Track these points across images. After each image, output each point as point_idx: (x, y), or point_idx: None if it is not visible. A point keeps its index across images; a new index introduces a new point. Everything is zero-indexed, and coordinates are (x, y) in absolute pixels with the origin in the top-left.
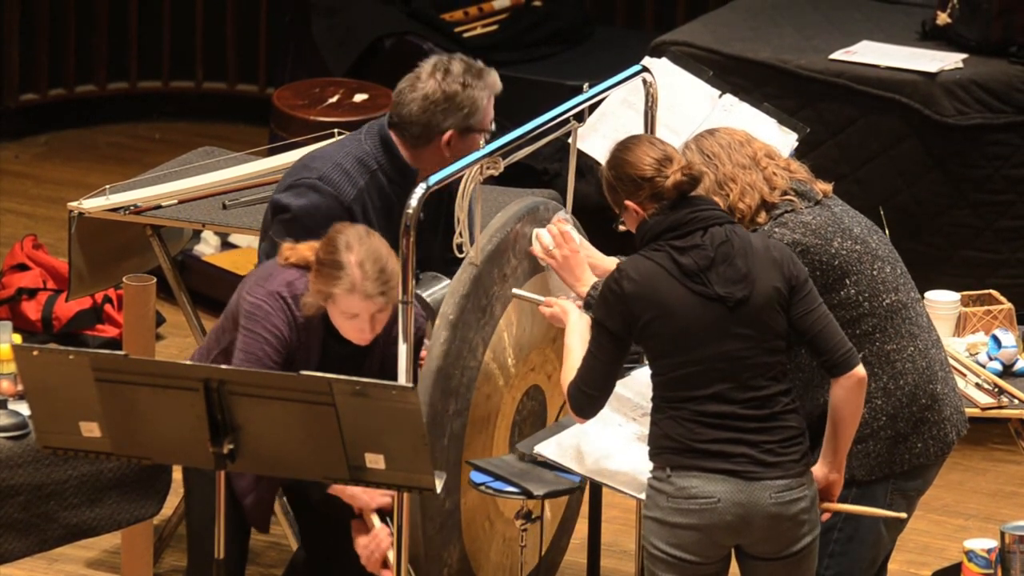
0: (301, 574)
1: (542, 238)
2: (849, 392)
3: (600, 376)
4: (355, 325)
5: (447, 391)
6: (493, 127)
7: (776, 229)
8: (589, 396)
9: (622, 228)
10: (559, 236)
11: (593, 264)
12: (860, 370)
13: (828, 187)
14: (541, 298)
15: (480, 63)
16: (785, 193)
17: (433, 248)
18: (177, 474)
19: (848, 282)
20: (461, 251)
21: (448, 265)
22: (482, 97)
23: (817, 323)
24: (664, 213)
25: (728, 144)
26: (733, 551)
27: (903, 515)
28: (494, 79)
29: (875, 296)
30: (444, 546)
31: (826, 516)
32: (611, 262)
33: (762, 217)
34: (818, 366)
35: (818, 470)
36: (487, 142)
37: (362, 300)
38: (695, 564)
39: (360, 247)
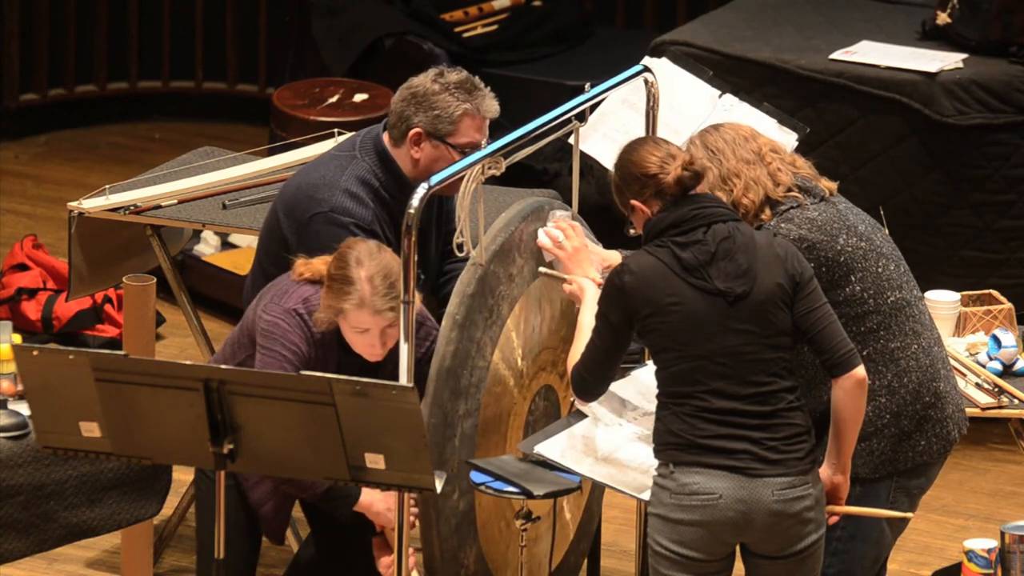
0: (303, 574)
1: (550, 231)
2: (849, 393)
3: (598, 364)
4: (366, 340)
5: (456, 392)
6: (465, 151)
7: (782, 225)
8: (587, 380)
9: (632, 232)
10: (568, 229)
11: (602, 260)
12: (860, 371)
13: (833, 185)
14: (565, 275)
15: (482, 85)
16: (789, 190)
17: (430, 248)
18: (178, 474)
19: (853, 279)
20: (462, 251)
21: (444, 263)
22: (458, 108)
23: (820, 321)
24: (667, 210)
25: (733, 139)
26: (738, 549)
27: (910, 515)
28: (486, 104)
29: (880, 293)
30: (460, 547)
31: (833, 519)
32: (616, 256)
33: (766, 214)
34: (819, 364)
35: (823, 472)
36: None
37: (371, 315)
38: (698, 561)
39: (370, 262)
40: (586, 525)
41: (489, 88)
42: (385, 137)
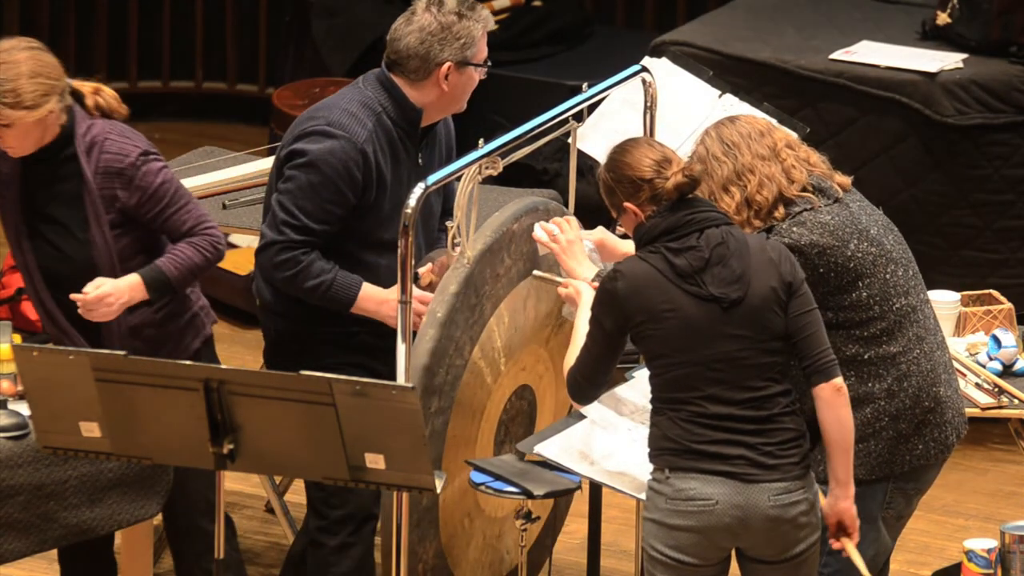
0: (300, 567)
1: (545, 225)
2: (829, 403)
3: (592, 369)
4: None
5: (430, 388)
6: (489, 64)
7: (794, 229)
8: (581, 385)
9: (619, 231)
10: (563, 223)
11: (611, 248)
12: (839, 380)
13: (847, 180)
14: (559, 278)
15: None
16: (804, 189)
17: (430, 201)
18: None
19: (861, 285)
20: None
21: (443, 217)
22: (477, 29)
23: (808, 327)
24: (661, 215)
25: (748, 134)
26: (734, 553)
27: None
28: (487, 14)
29: (886, 300)
30: (420, 541)
31: (837, 545)
32: (627, 245)
33: (780, 211)
34: (800, 371)
35: (826, 504)
36: (483, 78)
37: None
38: (694, 566)
39: None
40: (553, 523)
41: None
42: (395, 78)
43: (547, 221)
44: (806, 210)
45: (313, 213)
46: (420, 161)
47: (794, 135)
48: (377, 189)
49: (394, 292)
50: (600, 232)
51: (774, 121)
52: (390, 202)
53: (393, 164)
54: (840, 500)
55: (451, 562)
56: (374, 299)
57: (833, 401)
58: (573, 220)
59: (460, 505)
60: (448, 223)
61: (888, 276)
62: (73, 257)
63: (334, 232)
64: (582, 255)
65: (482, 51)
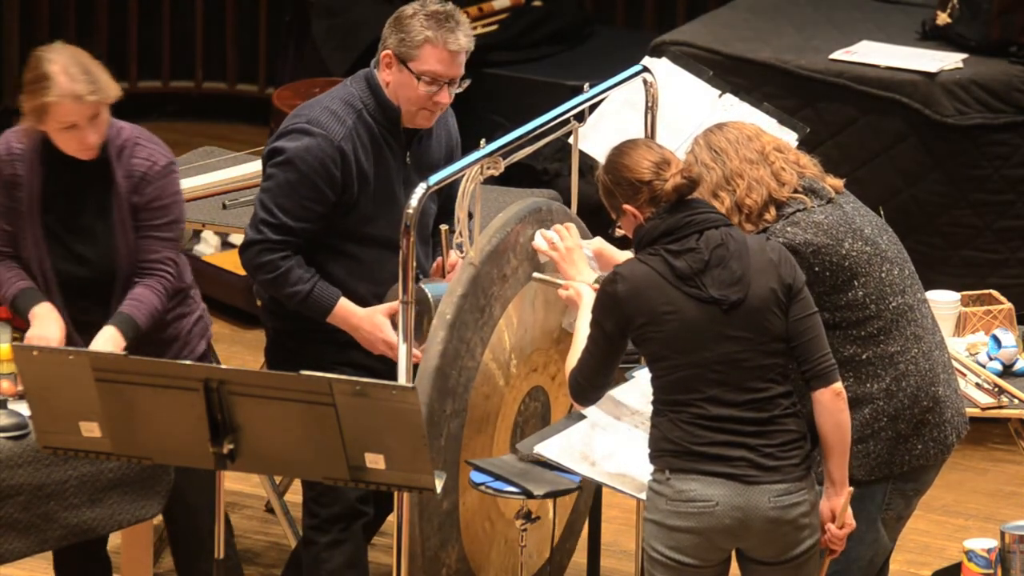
0: (301, 567)
1: (546, 233)
2: (828, 407)
3: (593, 371)
4: (76, 136)
5: (444, 391)
6: (425, 79)
7: (788, 229)
8: (583, 386)
9: (619, 232)
10: (562, 230)
11: (608, 257)
12: (838, 385)
13: (839, 183)
14: (560, 280)
15: (456, 17)
16: (795, 191)
17: (429, 223)
18: None
19: (856, 284)
20: (461, 250)
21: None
22: (420, 34)
23: (808, 331)
24: (660, 217)
25: (736, 139)
26: (734, 554)
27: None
28: (450, 36)
29: (882, 299)
30: (442, 546)
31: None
32: (625, 255)
33: (770, 214)
34: (799, 375)
35: (823, 505)
36: (439, 98)
37: (73, 103)
38: (694, 567)
39: (60, 56)
40: (573, 525)
41: (470, 27)
42: (379, 75)
43: (549, 221)
44: (799, 210)
45: (292, 211)
46: (408, 160)
47: (790, 136)
48: (359, 186)
49: (367, 319)
50: (598, 242)
51: (774, 122)
52: (374, 200)
53: (376, 161)
54: (832, 498)
55: (474, 566)
56: (347, 321)
57: (832, 406)
58: (572, 227)
59: (481, 509)
60: (443, 226)
61: (884, 275)
62: (93, 261)
63: (315, 229)
64: (582, 261)
65: (423, 62)
